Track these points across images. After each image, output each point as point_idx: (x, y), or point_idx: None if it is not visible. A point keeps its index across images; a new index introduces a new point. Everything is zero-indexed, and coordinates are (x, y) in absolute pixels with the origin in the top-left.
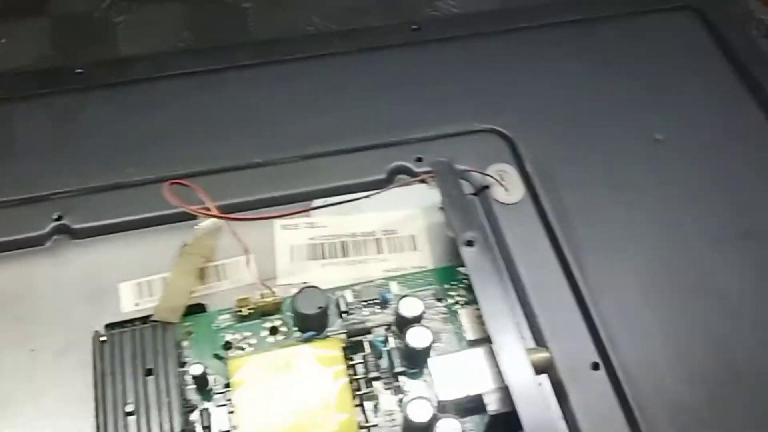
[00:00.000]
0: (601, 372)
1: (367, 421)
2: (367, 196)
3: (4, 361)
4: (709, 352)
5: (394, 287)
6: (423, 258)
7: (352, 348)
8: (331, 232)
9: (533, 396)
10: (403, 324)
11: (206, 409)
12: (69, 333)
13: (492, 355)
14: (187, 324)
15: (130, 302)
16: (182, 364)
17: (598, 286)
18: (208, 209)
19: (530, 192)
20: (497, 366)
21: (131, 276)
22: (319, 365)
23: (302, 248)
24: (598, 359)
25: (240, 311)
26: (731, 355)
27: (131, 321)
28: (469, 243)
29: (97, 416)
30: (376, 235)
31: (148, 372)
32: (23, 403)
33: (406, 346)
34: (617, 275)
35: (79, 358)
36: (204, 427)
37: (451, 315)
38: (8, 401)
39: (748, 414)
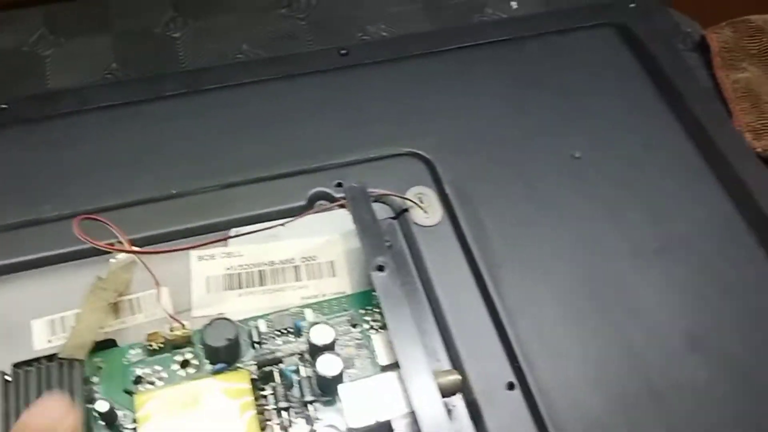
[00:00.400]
0: (517, 392)
1: None
2: (282, 224)
3: None
4: (624, 367)
5: (309, 315)
6: (342, 284)
7: (263, 378)
8: (249, 261)
9: (439, 420)
10: (315, 352)
11: None
12: None
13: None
14: (96, 359)
15: (42, 339)
16: (90, 401)
17: (515, 305)
18: (118, 243)
19: (449, 213)
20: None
21: (44, 313)
22: (226, 398)
23: (219, 279)
24: (513, 379)
25: (151, 345)
26: (647, 370)
27: (38, 360)
28: (380, 268)
29: None
30: (294, 262)
31: None
32: None
33: (317, 374)
34: (535, 293)
35: None
36: None
37: (365, 340)
38: None
39: (664, 429)
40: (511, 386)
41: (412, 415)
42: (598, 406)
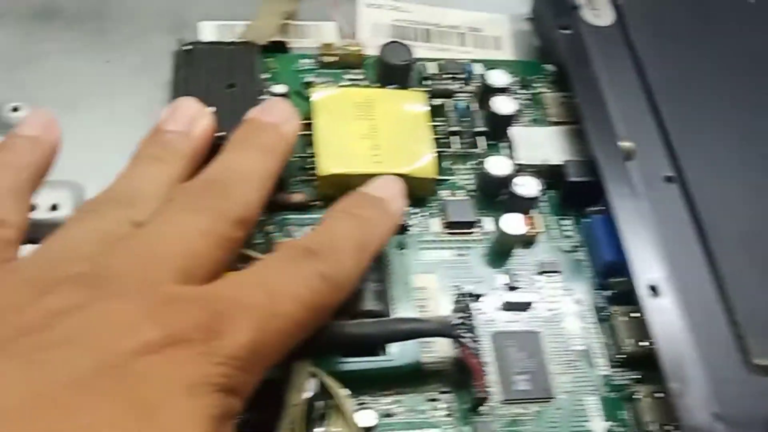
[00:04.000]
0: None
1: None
2: None
3: (79, 67)
4: None
5: (478, 67)
6: (505, 57)
7: (432, 110)
8: (416, 18)
9: (618, 170)
10: (488, 93)
11: None
12: (147, 53)
13: (576, 136)
14: (267, 60)
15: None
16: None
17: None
18: None
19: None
20: (583, 143)
21: (214, 17)
22: (403, 108)
23: (385, 27)
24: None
25: (322, 58)
26: None
27: (216, 43)
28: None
29: None
30: (460, 29)
31: (230, 85)
32: (95, 107)
33: (490, 112)
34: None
35: (155, 77)
36: None
37: (535, 100)
38: (79, 104)
39: None
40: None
41: (584, 163)
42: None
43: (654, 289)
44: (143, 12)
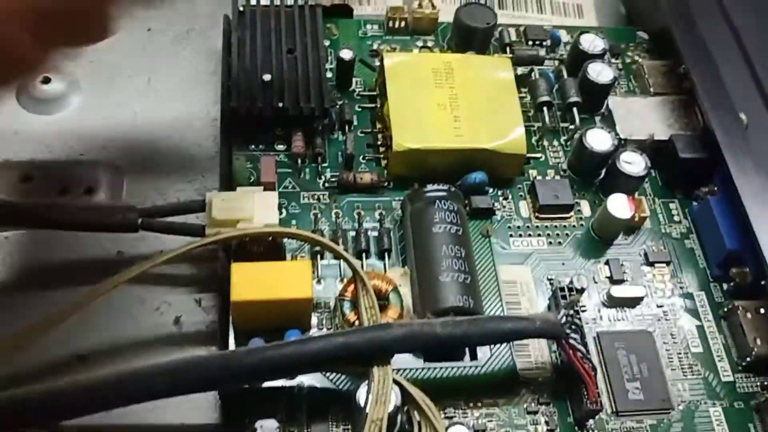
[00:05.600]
0: None
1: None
2: None
3: (120, 37)
4: None
5: (564, 35)
6: (589, 24)
7: (518, 79)
8: None
9: (740, 144)
10: (581, 60)
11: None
12: (193, 18)
13: (682, 107)
14: (330, 25)
15: None
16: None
17: None
18: None
19: None
20: (690, 115)
21: None
22: (486, 73)
23: None
24: None
25: (391, 22)
26: None
27: (272, 5)
28: None
29: (228, 82)
30: None
31: (290, 51)
32: (136, 76)
33: (585, 80)
34: None
35: (198, 46)
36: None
37: (629, 70)
38: (121, 72)
39: None
40: None
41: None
42: None
43: None
44: None
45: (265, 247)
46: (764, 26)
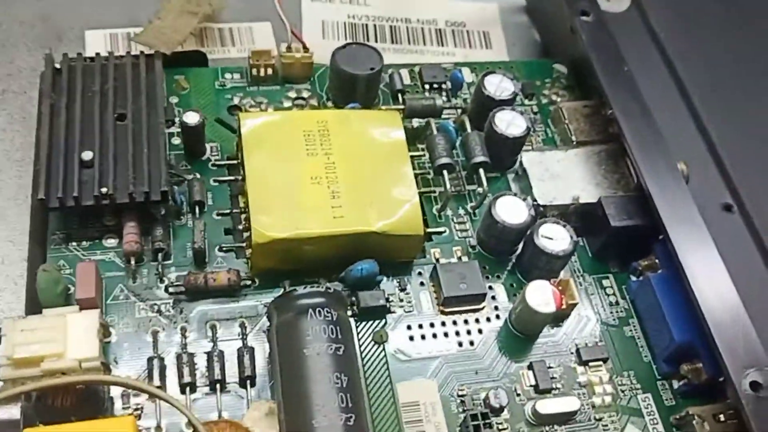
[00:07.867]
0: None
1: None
2: None
3: None
4: None
5: (467, 73)
6: (499, 57)
7: (413, 137)
8: (378, 13)
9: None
10: (487, 108)
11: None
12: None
13: (610, 157)
14: (178, 76)
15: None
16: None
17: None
18: None
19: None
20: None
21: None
22: (370, 133)
23: (337, 26)
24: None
25: (255, 70)
26: None
27: (99, 56)
28: (584, 13)
29: (37, 165)
30: (438, 24)
31: (120, 117)
32: None
33: (493, 131)
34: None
35: (12, 109)
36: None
37: (544, 114)
38: None
39: None
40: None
41: (619, 200)
42: None
43: (755, 386)
44: (5, 19)
45: (76, 398)
46: (700, 51)
